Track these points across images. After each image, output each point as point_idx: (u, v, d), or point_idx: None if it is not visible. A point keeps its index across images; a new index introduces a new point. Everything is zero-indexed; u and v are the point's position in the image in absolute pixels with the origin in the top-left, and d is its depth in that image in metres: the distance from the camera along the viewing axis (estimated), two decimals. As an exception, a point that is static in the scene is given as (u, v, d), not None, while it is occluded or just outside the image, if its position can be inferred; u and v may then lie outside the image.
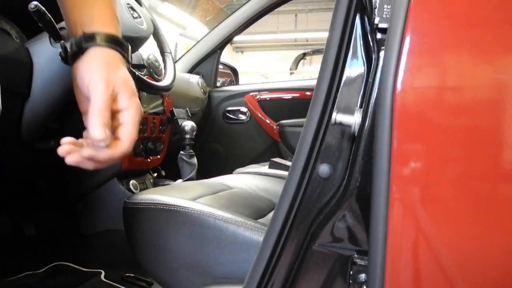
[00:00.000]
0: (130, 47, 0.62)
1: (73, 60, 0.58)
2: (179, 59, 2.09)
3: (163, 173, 1.66)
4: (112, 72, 0.55)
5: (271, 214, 0.91)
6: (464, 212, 0.40)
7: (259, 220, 0.86)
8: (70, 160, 0.52)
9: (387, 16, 0.48)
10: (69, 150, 0.52)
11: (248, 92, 2.04)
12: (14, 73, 0.85)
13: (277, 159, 1.53)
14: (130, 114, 0.55)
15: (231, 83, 2.57)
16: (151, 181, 1.52)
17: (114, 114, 0.55)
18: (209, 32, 2.08)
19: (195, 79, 1.93)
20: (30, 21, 0.73)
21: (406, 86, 0.40)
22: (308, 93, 1.94)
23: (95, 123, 0.51)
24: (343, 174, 0.50)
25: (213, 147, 2.08)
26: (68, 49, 0.58)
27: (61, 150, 0.52)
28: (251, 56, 13.20)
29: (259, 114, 2.00)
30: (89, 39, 0.57)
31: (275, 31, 11.16)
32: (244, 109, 2.03)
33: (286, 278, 0.53)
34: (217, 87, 2.16)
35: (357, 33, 0.52)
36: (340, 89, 0.51)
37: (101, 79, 0.54)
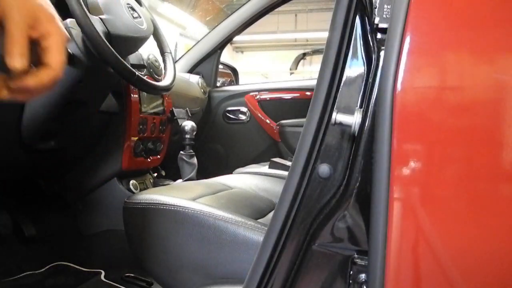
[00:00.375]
0: None
1: None
2: (179, 59, 2.09)
3: (163, 173, 1.66)
4: None
5: (271, 214, 0.91)
6: (464, 212, 0.40)
7: (259, 220, 0.86)
8: (1, 95, 0.51)
9: (387, 16, 0.48)
10: None
11: (248, 92, 2.04)
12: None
13: (277, 159, 1.53)
14: (53, 38, 0.53)
15: (231, 83, 2.57)
16: (151, 181, 1.52)
17: (35, 42, 0.52)
18: (209, 32, 2.08)
19: (195, 79, 1.93)
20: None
21: (406, 86, 0.40)
22: (308, 93, 1.94)
23: (12, 53, 0.49)
24: (343, 174, 0.50)
25: (213, 147, 2.09)
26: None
27: None
28: (251, 56, 13.20)
29: (259, 114, 2.00)
30: None
31: (275, 31, 11.15)
32: (244, 109, 2.03)
33: (286, 278, 0.53)
34: (217, 87, 2.16)
35: (357, 33, 0.52)
36: (340, 89, 0.51)
37: (12, 6, 0.51)
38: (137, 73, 1.11)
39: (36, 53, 0.53)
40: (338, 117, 0.49)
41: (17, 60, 0.49)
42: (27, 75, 0.51)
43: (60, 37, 0.54)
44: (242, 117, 2.04)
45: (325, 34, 0.52)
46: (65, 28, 1.00)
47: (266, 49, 12.90)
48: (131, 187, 1.40)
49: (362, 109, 0.49)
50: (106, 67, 1.09)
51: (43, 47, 0.53)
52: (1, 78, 0.51)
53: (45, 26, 0.53)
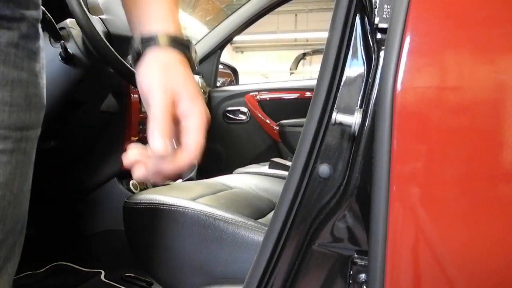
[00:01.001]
0: (194, 46, 0.56)
1: (135, 66, 0.54)
2: (179, 59, 2.09)
3: (163, 173, 1.66)
4: (171, 75, 0.51)
5: (271, 214, 0.91)
6: (464, 212, 0.40)
7: (259, 220, 0.86)
8: (137, 176, 0.49)
9: (387, 16, 0.48)
10: (134, 161, 0.48)
11: (248, 92, 2.04)
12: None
13: (277, 159, 1.53)
14: (194, 119, 0.50)
15: (231, 83, 2.57)
16: (151, 181, 1.52)
17: (178, 120, 0.50)
18: (209, 32, 2.08)
19: (195, 79, 1.93)
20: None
21: (406, 86, 0.40)
22: (308, 93, 1.94)
23: (155, 135, 0.46)
24: (343, 174, 0.50)
25: (213, 147, 2.08)
26: (130, 56, 0.55)
27: (126, 161, 0.48)
28: (251, 56, 13.19)
29: (259, 114, 2.00)
30: (145, 41, 0.53)
31: (275, 31, 11.15)
32: (244, 109, 2.03)
33: (286, 278, 0.53)
34: (217, 87, 2.16)
35: (357, 33, 0.52)
36: (340, 89, 0.51)
37: (158, 85, 0.49)
38: (137, 73, 1.11)
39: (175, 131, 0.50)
40: (338, 117, 0.49)
41: (161, 144, 0.46)
42: (165, 157, 0.47)
43: (201, 118, 0.51)
44: (242, 117, 2.04)
45: (325, 34, 0.52)
46: (65, 28, 1.00)
47: (266, 49, 12.90)
48: (131, 187, 1.40)
49: (362, 109, 0.49)
50: (106, 67, 1.09)
51: (183, 126, 0.50)
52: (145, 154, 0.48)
53: (187, 104, 0.50)
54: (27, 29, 0.51)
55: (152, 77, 0.50)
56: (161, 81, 0.49)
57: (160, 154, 0.46)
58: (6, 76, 0.46)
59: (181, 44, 0.54)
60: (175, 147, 0.49)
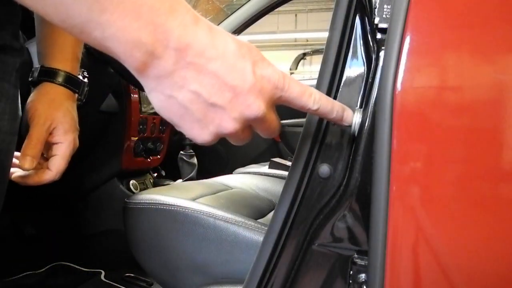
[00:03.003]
0: (86, 82, 0.70)
1: (33, 87, 0.66)
2: (179, 59, 2.08)
3: (163, 173, 1.66)
4: (54, 108, 0.63)
5: (271, 214, 0.91)
6: (464, 212, 0.40)
7: (259, 220, 0.86)
8: (13, 177, 0.62)
9: (387, 16, 0.48)
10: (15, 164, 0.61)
11: (248, 92, 2.04)
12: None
13: (277, 159, 1.53)
14: (62, 148, 0.63)
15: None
16: (151, 181, 1.52)
17: (50, 145, 0.63)
18: (209, 32, 2.07)
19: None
20: (30, 22, 0.73)
21: (406, 86, 0.40)
22: (308, 93, 1.94)
23: (25, 154, 0.58)
24: (343, 174, 0.50)
25: (213, 147, 2.08)
26: (30, 78, 0.66)
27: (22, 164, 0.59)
28: (251, 56, 13.16)
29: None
30: (43, 73, 0.65)
31: (275, 31, 11.15)
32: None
33: (286, 278, 0.53)
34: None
35: (357, 33, 0.52)
36: (340, 89, 0.51)
37: (40, 115, 0.61)
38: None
39: (45, 150, 0.62)
40: (338, 117, 0.49)
41: (27, 162, 0.58)
42: (30, 173, 0.61)
43: (69, 147, 0.64)
44: (242, 117, 2.03)
45: (325, 34, 0.52)
46: None
47: (266, 49, 12.89)
48: (131, 187, 1.40)
49: (362, 109, 0.49)
50: (106, 67, 1.09)
51: (54, 153, 0.63)
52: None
53: (60, 135, 0.63)
54: (24, 55, 0.61)
55: (38, 106, 0.62)
56: (44, 112, 0.62)
57: (25, 169, 0.59)
58: (7, 93, 0.55)
59: (73, 83, 0.67)
60: (42, 166, 0.62)
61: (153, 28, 0.31)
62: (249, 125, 0.40)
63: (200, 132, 0.38)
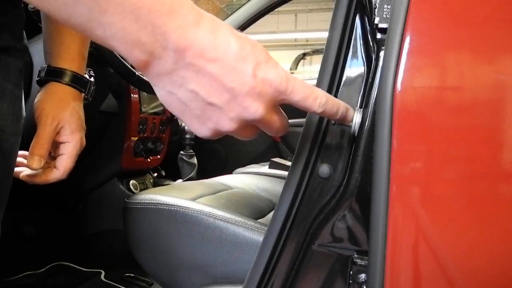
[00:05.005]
0: (92, 81, 0.70)
1: (40, 87, 0.66)
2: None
3: (163, 173, 1.66)
4: (61, 108, 0.63)
5: (271, 214, 0.91)
6: (464, 212, 0.40)
7: (259, 220, 0.86)
8: (21, 176, 0.63)
9: (387, 16, 0.48)
10: (21, 163, 0.62)
11: (248, 92, 2.04)
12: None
13: (277, 159, 1.53)
14: (69, 147, 0.64)
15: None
16: (151, 181, 1.52)
17: (57, 145, 0.64)
18: (209, 32, 2.07)
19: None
20: (30, 21, 0.73)
21: (406, 86, 0.40)
22: (308, 93, 1.94)
23: (33, 154, 0.59)
24: (343, 174, 0.50)
25: (213, 147, 2.08)
26: (37, 78, 0.66)
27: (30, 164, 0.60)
28: (251, 56, 13.16)
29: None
30: (50, 73, 0.65)
31: (275, 31, 11.14)
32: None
33: (286, 278, 0.53)
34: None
35: (357, 33, 0.52)
36: (340, 89, 0.51)
37: (48, 114, 0.62)
38: (137, 73, 1.11)
39: (53, 149, 0.63)
40: (338, 117, 0.49)
41: (35, 161, 0.59)
42: (38, 172, 0.62)
43: (76, 147, 0.65)
44: (242, 117, 2.03)
45: (325, 34, 0.52)
46: None
47: (266, 49, 12.88)
48: (131, 187, 1.40)
49: (362, 109, 0.49)
50: (106, 67, 1.09)
51: (61, 152, 0.64)
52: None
53: (67, 134, 0.64)
54: (27, 56, 0.61)
55: (45, 106, 0.63)
56: (51, 112, 0.62)
57: (32, 169, 0.60)
58: (11, 93, 0.56)
59: (80, 82, 0.67)
60: (49, 165, 0.63)
61: (152, 29, 0.32)
62: (251, 124, 0.40)
63: (199, 126, 0.38)
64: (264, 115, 0.38)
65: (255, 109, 0.37)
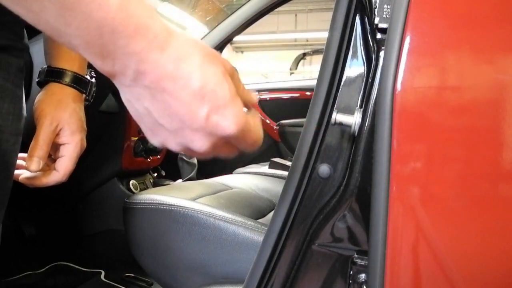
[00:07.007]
0: (94, 82, 0.69)
1: (40, 87, 0.65)
2: (179, 59, 2.08)
3: (163, 173, 1.66)
4: (60, 109, 0.62)
5: (271, 214, 0.91)
6: (464, 212, 0.40)
7: (259, 220, 0.86)
8: (20, 179, 0.62)
9: (387, 16, 0.48)
10: (20, 165, 0.61)
11: (248, 92, 2.04)
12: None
13: (277, 159, 1.53)
14: (69, 149, 0.63)
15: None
16: (151, 181, 1.52)
17: (57, 146, 0.63)
18: (209, 32, 2.08)
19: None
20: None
21: (406, 86, 0.40)
22: (308, 93, 1.94)
23: (32, 156, 0.58)
24: (343, 174, 0.50)
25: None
26: (37, 78, 0.65)
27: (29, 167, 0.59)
28: (251, 56, 13.19)
29: (259, 114, 2.00)
30: (51, 73, 0.64)
31: (275, 31, 11.14)
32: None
33: (286, 278, 0.53)
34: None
35: (357, 33, 0.52)
36: (340, 89, 0.51)
37: (47, 115, 0.61)
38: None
39: (53, 151, 0.62)
40: (338, 117, 0.49)
41: (34, 163, 0.58)
42: (37, 174, 0.61)
43: (76, 148, 0.64)
44: (242, 117, 2.03)
45: (325, 34, 0.52)
46: None
47: (266, 49, 12.89)
48: (131, 187, 1.40)
49: (362, 109, 0.49)
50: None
51: (61, 154, 0.63)
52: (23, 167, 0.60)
53: (67, 136, 0.62)
54: (27, 56, 0.60)
55: (45, 106, 0.62)
56: (50, 113, 0.61)
57: (31, 171, 0.59)
58: (13, 94, 0.55)
59: (81, 83, 0.66)
60: (49, 167, 0.62)
61: (114, 48, 0.32)
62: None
63: (151, 136, 0.39)
64: (209, 151, 0.38)
65: (201, 146, 0.37)
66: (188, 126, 0.35)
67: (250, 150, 0.42)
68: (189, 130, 0.36)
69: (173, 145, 0.38)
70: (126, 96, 0.36)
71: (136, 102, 0.36)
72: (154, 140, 0.39)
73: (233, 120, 0.36)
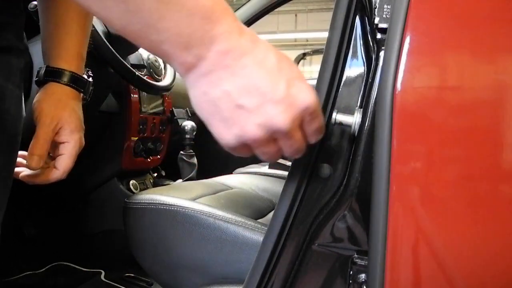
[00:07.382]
0: (91, 81, 0.71)
1: (39, 87, 0.66)
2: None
3: (163, 173, 1.66)
4: (60, 108, 0.64)
5: (271, 214, 0.91)
6: (464, 212, 0.40)
7: (259, 220, 0.86)
8: (20, 176, 0.63)
9: (387, 16, 0.48)
10: (20, 163, 0.62)
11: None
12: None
13: (277, 159, 1.52)
14: (68, 147, 0.64)
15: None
16: (151, 181, 1.52)
17: (57, 145, 0.64)
18: (209, 32, 2.07)
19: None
20: (30, 21, 0.73)
21: (406, 86, 0.40)
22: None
23: (32, 154, 0.60)
24: (343, 174, 0.50)
25: (213, 147, 2.08)
26: (35, 78, 0.66)
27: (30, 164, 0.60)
28: (251, 56, 13.15)
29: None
30: (49, 73, 0.65)
31: (275, 31, 11.14)
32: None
33: (286, 278, 0.53)
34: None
35: (357, 33, 0.52)
36: (340, 89, 0.51)
37: (47, 114, 0.62)
38: (137, 73, 1.11)
39: (52, 149, 0.63)
40: (338, 117, 0.49)
41: (34, 161, 0.59)
42: (37, 172, 0.62)
43: (75, 146, 0.65)
44: (242, 117, 2.03)
45: (325, 34, 0.52)
46: None
47: (266, 49, 12.85)
48: (131, 187, 1.40)
49: (362, 109, 0.49)
50: (106, 67, 1.09)
51: (60, 152, 0.64)
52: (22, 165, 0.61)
53: (66, 134, 0.64)
54: (27, 56, 0.61)
55: (44, 106, 0.63)
56: (50, 112, 0.62)
57: (32, 169, 0.60)
58: (12, 93, 0.56)
59: (79, 82, 0.67)
60: (49, 165, 0.63)
61: (202, 34, 0.35)
62: (274, 139, 0.40)
63: (225, 131, 0.40)
64: (291, 129, 0.38)
65: (283, 119, 0.37)
66: (269, 98, 0.37)
67: (314, 138, 0.42)
68: (271, 104, 0.37)
69: (253, 129, 0.38)
70: (202, 89, 0.37)
71: (214, 89, 0.37)
72: (229, 134, 0.40)
73: (309, 92, 0.38)
